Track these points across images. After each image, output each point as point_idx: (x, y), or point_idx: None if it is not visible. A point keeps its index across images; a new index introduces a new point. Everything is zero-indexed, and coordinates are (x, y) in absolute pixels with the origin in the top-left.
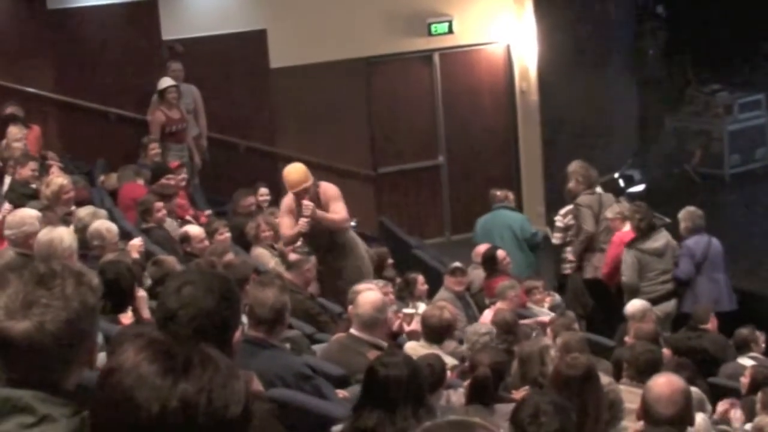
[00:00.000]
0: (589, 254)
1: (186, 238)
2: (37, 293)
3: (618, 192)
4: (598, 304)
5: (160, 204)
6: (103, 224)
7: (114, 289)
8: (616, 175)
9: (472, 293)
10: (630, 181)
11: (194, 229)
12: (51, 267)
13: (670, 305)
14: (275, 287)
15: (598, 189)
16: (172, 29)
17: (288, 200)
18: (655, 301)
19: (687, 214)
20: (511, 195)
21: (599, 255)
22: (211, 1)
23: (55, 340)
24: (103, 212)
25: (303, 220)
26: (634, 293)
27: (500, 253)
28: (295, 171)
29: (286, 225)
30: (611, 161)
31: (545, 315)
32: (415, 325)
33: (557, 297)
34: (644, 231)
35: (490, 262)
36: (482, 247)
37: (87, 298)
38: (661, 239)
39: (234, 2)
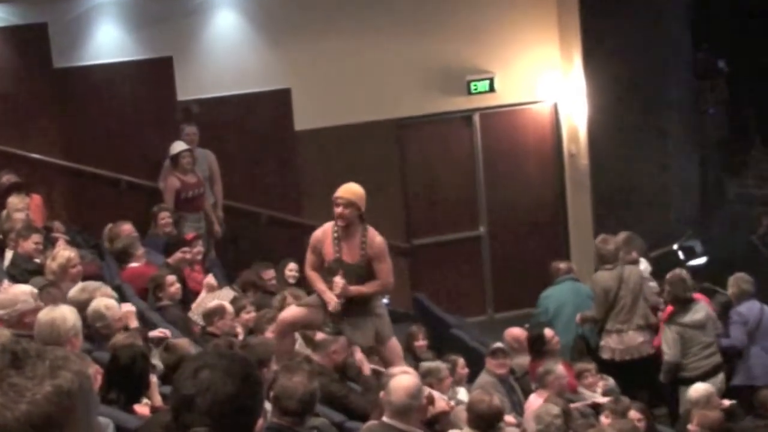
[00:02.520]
0: (605, 335)
1: (220, 312)
2: (5, 374)
3: (678, 265)
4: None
5: (172, 278)
6: (101, 302)
7: (128, 376)
8: (675, 246)
9: (517, 377)
10: (690, 254)
11: (229, 305)
12: (25, 347)
13: (717, 381)
14: (304, 374)
15: (644, 264)
16: (188, 89)
17: (319, 234)
18: (700, 378)
19: (734, 280)
20: (574, 267)
21: (615, 336)
22: (231, 58)
23: (20, 425)
24: (92, 285)
25: (333, 301)
26: (676, 372)
27: (548, 332)
28: (352, 184)
29: (310, 261)
30: (669, 231)
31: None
32: (441, 405)
33: (611, 381)
34: (681, 303)
35: (537, 342)
36: (516, 330)
37: (62, 382)
38: (700, 311)
39: (255, 60)
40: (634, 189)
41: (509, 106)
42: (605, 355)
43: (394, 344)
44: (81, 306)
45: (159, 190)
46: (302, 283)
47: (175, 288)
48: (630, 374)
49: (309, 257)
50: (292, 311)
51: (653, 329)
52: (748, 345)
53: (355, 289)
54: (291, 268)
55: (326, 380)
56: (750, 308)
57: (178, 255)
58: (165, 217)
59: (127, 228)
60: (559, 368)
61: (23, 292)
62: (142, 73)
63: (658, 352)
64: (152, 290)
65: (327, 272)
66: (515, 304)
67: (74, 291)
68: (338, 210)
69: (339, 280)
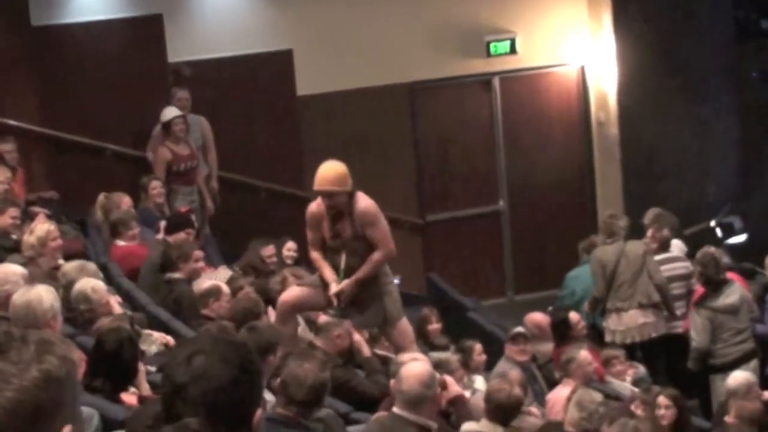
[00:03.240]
0: (606, 315)
1: (215, 293)
2: None
3: (715, 243)
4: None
5: (200, 253)
6: (87, 284)
7: (115, 363)
8: (713, 223)
9: (539, 364)
10: (729, 230)
11: (225, 286)
12: (8, 331)
13: (749, 369)
14: (316, 362)
15: (678, 244)
16: (179, 49)
17: (314, 208)
18: (730, 366)
19: None
20: None
21: (615, 316)
22: (227, 16)
23: (7, 414)
24: (92, 267)
25: (334, 296)
26: (704, 359)
27: (573, 316)
28: (328, 168)
29: (310, 240)
30: (706, 206)
31: (627, 390)
32: (455, 390)
33: (641, 369)
34: (713, 285)
35: (561, 327)
36: (538, 316)
37: (50, 368)
38: (734, 294)
39: (254, 17)
40: (667, 160)
41: (532, 70)
42: (606, 338)
43: (404, 326)
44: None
45: (147, 159)
46: (301, 262)
47: (200, 266)
48: (645, 360)
49: (309, 235)
50: (294, 292)
51: (658, 309)
52: None
53: (353, 281)
54: (289, 248)
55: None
56: None
57: (181, 235)
58: (156, 187)
59: (126, 201)
60: (583, 355)
61: (14, 272)
62: (129, 32)
63: (679, 336)
64: (174, 258)
65: (329, 251)
66: (538, 286)
67: (71, 268)
68: (325, 202)
69: (336, 288)
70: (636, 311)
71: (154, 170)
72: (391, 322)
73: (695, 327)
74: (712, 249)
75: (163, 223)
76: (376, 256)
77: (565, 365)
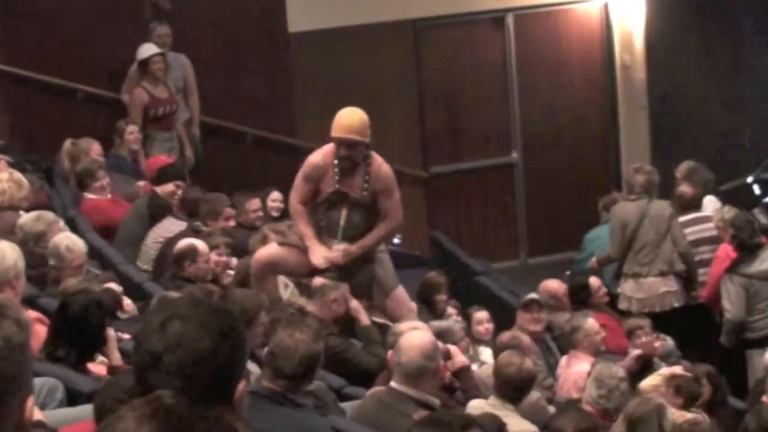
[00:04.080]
0: (622, 280)
1: (191, 254)
2: None
3: (753, 201)
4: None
5: (232, 211)
6: (63, 240)
7: (80, 328)
8: (750, 179)
9: (555, 335)
10: None
11: (201, 244)
12: None
13: None
14: (308, 332)
15: (710, 203)
16: None
17: (319, 159)
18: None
19: None
20: None
21: (632, 282)
22: None
23: None
24: (49, 216)
25: (321, 262)
26: (739, 332)
27: (594, 281)
28: (351, 115)
29: (299, 191)
30: (743, 160)
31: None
32: (460, 360)
33: (669, 341)
34: (748, 250)
35: (581, 293)
36: (553, 283)
37: (9, 333)
38: None
39: None
40: (700, 108)
41: (550, 6)
42: (621, 305)
43: (401, 295)
44: (34, 239)
45: (122, 102)
46: (286, 215)
47: (231, 224)
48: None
49: (299, 186)
50: (268, 250)
51: (680, 278)
52: None
53: (359, 247)
54: (274, 198)
55: (323, 333)
56: None
57: (169, 187)
58: (133, 132)
59: (95, 148)
60: (589, 323)
61: None
62: None
63: (709, 307)
64: (203, 214)
65: (326, 206)
66: (554, 247)
67: (27, 219)
68: (342, 152)
69: (338, 248)
70: (656, 279)
71: (129, 114)
72: (384, 292)
73: (729, 297)
74: (725, 210)
75: None
76: (385, 226)
77: (570, 335)
